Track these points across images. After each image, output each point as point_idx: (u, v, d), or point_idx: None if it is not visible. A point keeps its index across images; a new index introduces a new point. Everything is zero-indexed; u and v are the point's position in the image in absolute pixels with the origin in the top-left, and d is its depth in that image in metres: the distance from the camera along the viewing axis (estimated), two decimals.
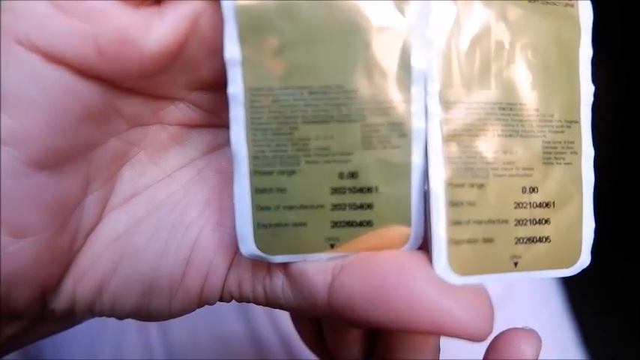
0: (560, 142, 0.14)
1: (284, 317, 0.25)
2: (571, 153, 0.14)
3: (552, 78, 0.14)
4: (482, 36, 0.13)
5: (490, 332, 0.12)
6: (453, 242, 0.13)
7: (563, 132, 0.14)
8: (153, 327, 0.26)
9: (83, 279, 0.14)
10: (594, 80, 0.14)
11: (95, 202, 0.14)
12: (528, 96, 0.13)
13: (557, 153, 0.14)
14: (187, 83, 0.14)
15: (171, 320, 0.26)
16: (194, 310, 0.15)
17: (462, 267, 0.13)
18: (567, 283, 0.30)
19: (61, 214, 0.13)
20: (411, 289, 0.12)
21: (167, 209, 0.14)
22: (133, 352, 0.25)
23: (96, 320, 0.23)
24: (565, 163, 0.14)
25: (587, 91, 0.14)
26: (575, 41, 0.14)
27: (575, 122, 0.14)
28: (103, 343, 0.25)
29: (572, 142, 0.14)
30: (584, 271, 0.14)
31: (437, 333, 0.12)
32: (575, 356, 0.30)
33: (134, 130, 0.14)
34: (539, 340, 0.13)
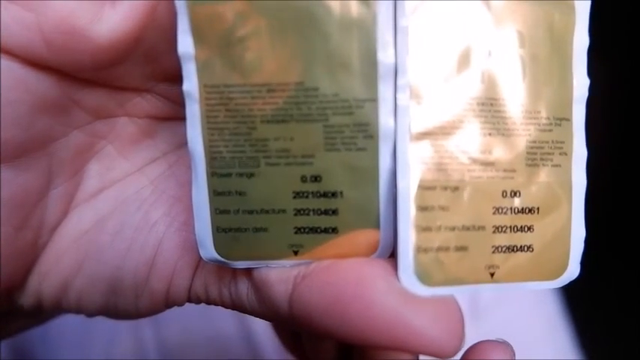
0: (547, 142, 0.12)
1: None
2: (560, 154, 0.12)
3: (541, 70, 0.12)
4: (462, 23, 0.12)
5: (458, 349, 0.11)
6: (421, 250, 0.12)
7: (551, 130, 0.12)
8: (146, 326, 0.26)
9: (48, 277, 0.14)
10: (591, 75, 0.13)
11: (60, 197, 0.13)
12: (512, 90, 0.12)
13: (543, 154, 0.12)
14: (152, 74, 0.13)
15: (165, 319, 0.26)
16: (163, 310, 0.15)
17: (430, 277, 0.12)
18: None
19: (21, 209, 0.13)
20: (368, 300, 0.11)
21: (134, 206, 0.14)
22: (125, 350, 0.25)
23: (88, 319, 0.23)
24: (552, 165, 0.12)
25: (580, 84, 0.13)
26: (569, 28, 0.13)
27: (566, 120, 0.13)
28: (95, 341, 0.26)
29: (562, 142, 0.13)
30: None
31: (397, 348, 0.11)
32: (572, 357, 0.28)
33: (99, 123, 0.14)
34: (513, 352, 0.12)
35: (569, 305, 0.31)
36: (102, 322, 0.25)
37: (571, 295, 0.32)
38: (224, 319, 0.26)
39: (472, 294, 0.27)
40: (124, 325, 0.26)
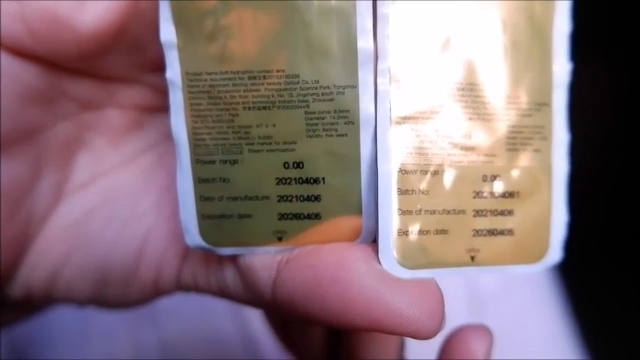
0: (527, 127, 0.13)
1: None
2: (540, 139, 0.13)
3: (520, 56, 0.12)
4: (442, 9, 0.12)
5: (437, 330, 0.11)
6: (402, 233, 0.12)
7: (531, 115, 0.13)
8: (145, 325, 0.26)
9: (37, 267, 0.14)
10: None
11: (49, 187, 0.14)
12: (492, 75, 0.12)
13: (523, 138, 0.12)
14: (139, 64, 0.13)
15: (164, 319, 0.26)
16: (152, 300, 0.15)
17: (411, 260, 0.12)
18: (567, 278, 0.29)
19: (10, 199, 0.13)
20: (347, 281, 0.11)
21: (124, 196, 0.14)
22: (124, 350, 0.26)
23: (86, 319, 0.23)
24: (533, 150, 0.13)
25: (561, 70, 0.13)
26: (549, 15, 0.13)
27: (546, 105, 0.13)
28: (94, 341, 0.26)
29: (542, 127, 0.13)
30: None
31: (376, 329, 0.11)
32: (574, 355, 0.28)
33: (88, 114, 0.14)
34: (491, 337, 0.12)
35: (571, 302, 0.31)
36: (101, 322, 0.26)
37: (574, 291, 0.32)
38: (223, 319, 0.26)
39: (473, 290, 0.27)
40: (123, 325, 0.26)
